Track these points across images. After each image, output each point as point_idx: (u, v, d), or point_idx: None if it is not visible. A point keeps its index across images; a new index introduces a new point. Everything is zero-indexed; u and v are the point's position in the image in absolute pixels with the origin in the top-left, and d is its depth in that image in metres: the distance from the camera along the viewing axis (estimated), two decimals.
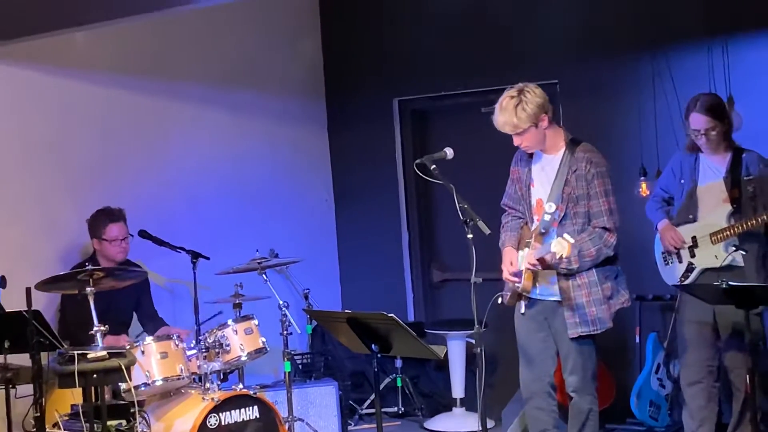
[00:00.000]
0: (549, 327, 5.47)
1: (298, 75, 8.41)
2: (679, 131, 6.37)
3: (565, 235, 5.02)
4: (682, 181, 5.85)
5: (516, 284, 5.38)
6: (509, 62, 7.57)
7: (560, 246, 4.98)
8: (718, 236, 5.64)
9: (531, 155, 5.50)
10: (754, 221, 5.49)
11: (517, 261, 5.40)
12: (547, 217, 5.25)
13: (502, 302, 5.51)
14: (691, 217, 5.78)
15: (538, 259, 5.22)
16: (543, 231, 5.28)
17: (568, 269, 5.27)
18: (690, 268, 5.77)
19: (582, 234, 5.28)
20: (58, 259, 6.44)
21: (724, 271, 5.57)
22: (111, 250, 6.35)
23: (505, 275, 5.42)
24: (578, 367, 5.41)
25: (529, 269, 5.30)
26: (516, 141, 5.36)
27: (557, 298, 5.38)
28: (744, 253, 5.60)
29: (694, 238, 5.76)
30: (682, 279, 5.79)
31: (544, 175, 5.44)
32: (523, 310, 5.48)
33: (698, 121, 5.67)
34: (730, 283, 5.15)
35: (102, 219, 6.37)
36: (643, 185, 6.78)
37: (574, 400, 5.47)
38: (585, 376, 5.43)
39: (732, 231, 5.58)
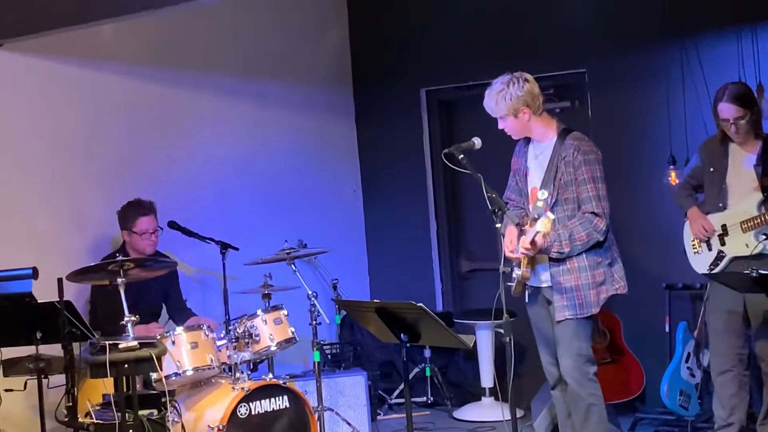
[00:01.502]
0: (548, 313, 5.52)
1: (326, 66, 8.42)
2: (708, 119, 6.33)
3: (548, 212, 5.08)
4: (712, 169, 5.82)
5: (515, 272, 5.42)
6: (537, 52, 7.55)
7: (542, 223, 5.04)
8: (749, 224, 5.61)
9: (528, 145, 5.59)
10: None
11: (516, 239, 5.43)
12: (539, 204, 5.25)
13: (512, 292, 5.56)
14: (721, 205, 5.76)
15: (530, 243, 5.24)
16: (536, 217, 5.26)
17: (559, 253, 5.32)
18: (720, 257, 5.75)
19: (572, 219, 5.35)
20: (87, 251, 6.48)
21: (755, 260, 5.54)
22: (141, 243, 6.37)
23: (507, 253, 5.46)
24: (568, 351, 5.41)
25: (523, 254, 5.32)
26: (499, 125, 5.52)
27: (550, 284, 5.43)
28: None
29: (724, 227, 5.73)
30: (712, 267, 5.77)
31: (537, 163, 5.53)
32: (527, 299, 5.56)
33: (727, 110, 5.64)
34: (761, 271, 5.13)
35: (132, 211, 6.39)
36: (673, 174, 6.75)
37: (571, 387, 5.45)
38: (578, 361, 5.41)
39: (763, 219, 5.56)
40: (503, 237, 5.41)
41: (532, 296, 5.57)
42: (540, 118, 5.46)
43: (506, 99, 5.36)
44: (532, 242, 5.23)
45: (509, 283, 5.53)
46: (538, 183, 5.48)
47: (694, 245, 5.91)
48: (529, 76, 5.44)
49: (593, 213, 5.33)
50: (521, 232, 5.35)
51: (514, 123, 5.44)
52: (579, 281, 5.37)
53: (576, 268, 5.38)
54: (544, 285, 5.48)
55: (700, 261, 5.87)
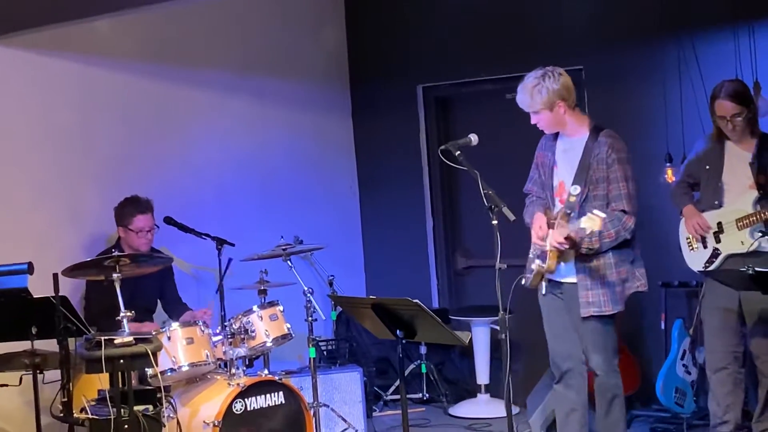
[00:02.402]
0: (568, 308, 5.54)
1: (322, 62, 8.42)
2: (705, 117, 6.33)
3: (595, 211, 5.08)
4: (708, 167, 5.83)
5: (540, 264, 5.42)
6: (534, 48, 7.54)
7: (591, 221, 5.03)
8: (744, 222, 5.62)
9: (555, 139, 5.58)
10: None
11: (546, 226, 5.45)
12: (572, 199, 5.35)
13: (525, 283, 5.57)
14: (716, 202, 5.76)
15: (565, 238, 5.27)
16: (568, 212, 5.35)
17: (588, 249, 5.34)
18: (715, 254, 5.75)
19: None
20: (82, 246, 6.47)
21: (750, 257, 5.55)
22: (136, 240, 6.36)
23: (534, 238, 5.48)
24: (599, 347, 5.47)
25: (555, 248, 5.33)
26: (532, 120, 5.52)
27: (575, 280, 5.45)
28: None
29: (719, 224, 5.74)
30: (707, 265, 5.77)
31: (567, 158, 5.53)
32: (544, 291, 5.57)
33: (723, 108, 5.65)
34: (757, 269, 5.14)
35: (130, 209, 6.38)
36: (669, 171, 6.76)
37: (600, 379, 5.52)
38: (607, 356, 5.49)
39: (758, 216, 5.56)
40: (531, 225, 5.45)
41: (549, 290, 5.56)
42: (573, 113, 5.49)
43: (542, 93, 5.36)
44: (568, 237, 5.26)
45: (527, 275, 5.55)
46: (567, 177, 5.50)
47: (689, 243, 5.92)
48: (562, 70, 5.46)
49: (623, 211, 5.37)
50: (552, 225, 5.40)
51: (548, 117, 5.44)
52: (605, 278, 5.40)
53: (603, 265, 5.41)
54: (567, 280, 5.49)
55: (696, 258, 5.88)
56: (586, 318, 5.42)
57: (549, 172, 5.61)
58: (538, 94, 5.36)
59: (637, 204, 5.43)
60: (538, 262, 5.48)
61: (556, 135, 5.60)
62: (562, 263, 5.45)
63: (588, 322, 5.44)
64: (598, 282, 5.40)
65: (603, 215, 5.07)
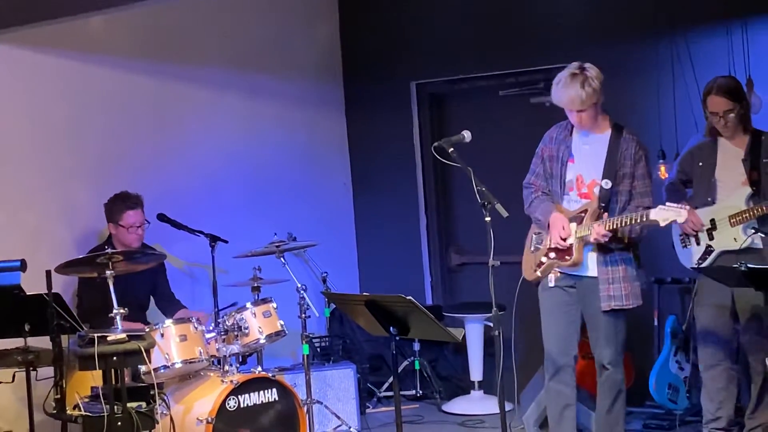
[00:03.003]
0: (579, 302, 5.56)
1: (316, 59, 8.41)
2: (698, 114, 6.34)
3: (668, 204, 5.17)
4: (701, 164, 5.83)
5: (566, 258, 5.47)
6: (527, 45, 7.56)
7: (669, 213, 5.12)
8: (737, 218, 5.62)
9: (570, 133, 5.60)
10: None
11: (568, 226, 5.48)
12: (605, 193, 5.42)
13: (535, 275, 5.62)
14: (709, 199, 5.77)
15: (610, 230, 5.33)
16: (602, 206, 5.42)
17: (617, 245, 5.41)
18: (708, 251, 5.76)
19: (628, 213, 5.44)
20: (75, 243, 6.46)
21: (743, 254, 5.56)
22: (127, 236, 6.35)
23: (556, 239, 5.50)
24: (611, 341, 5.51)
25: (597, 240, 5.35)
26: (575, 118, 5.49)
27: (594, 274, 5.48)
28: (763, 235, 5.58)
29: (712, 221, 5.74)
30: (700, 261, 5.78)
31: (589, 152, 5.55)
32: (552, 283, 5.57)
33: (716, 103, 5.66)
34: (750, 265, 5.14)
35: (120, 205, 6.37)
36: (662, 168, 6.77)
37: (608, 373, 5.56)
38: (618, 349, 5.55)
39: (751, 213, 5.57)
40: (547, 223, 5.50)
41: (559, 282, 5.59)
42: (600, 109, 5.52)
43: (593, 84, 5.37)
44: (611, 230, 5.32)
45: (534, 268, 5.56)
46: (587, 171, 5.53)
47: (682, 239, 5.92)
48: (585, 63, 5.48)
49: (648, 207, 5.40)
50: (576, 219, 5.45)
51: (592, 111, 5.45)
52: (626, 272, 5.45)
53: (623, 260, 5.47)
54: (587, 274, 5.52)
55: (689, 255, 5.88)
56: (606, 312, 5.44)
57: (561, 166, 5.60)
58: (589, 87, 5.36)
59: None
60: (551, 255, 5.51)
61: (570, 130, 5.61)
62: (586, 255, 5.49)
63: (606, 316, 5.47)
64: (620, 276, 5.44)
65: (687, 207, 5.17)
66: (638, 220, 5.26)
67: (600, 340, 5.54)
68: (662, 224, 5.18)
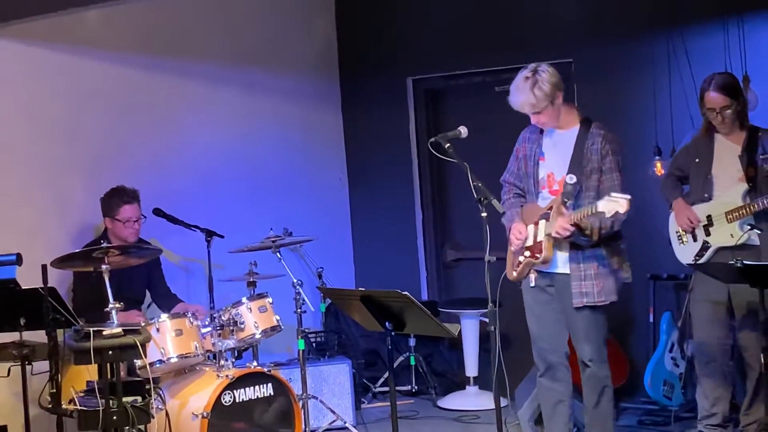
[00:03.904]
0: (558, 299, 5.54)
1: (312, 54, 8.41)
2: (694, 111, 6.35)
3: (613, 194, 5.08)
4: (697, 160, 5.84)
5: (536, 255, 5.42)
6: (523, 41, 7.56)
7: (613, 204, 5.03)
8: (734, 215, 5.63)
9: (541, 132, 5.59)
10: None
11: (525, 232, 5.47)
12: (569, 188, 5.39)
13: (512, 277, 5.60)
14: (706, 195, 5.77)
15: (573, 224, 5.28)
16: (566, 200, 5.39)
17: (586, 240, 5.36)
18: (705, 247, 5.76)
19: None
20: (71, 238, 6.45)
21: (739, 250, 5.56)
22: (123, 231, 6.34)
23: (515, 244, 5.49)
24: (590, 337, 5.49)
25: (558, 235, 5.33)
26: (534, 119, 5.48)
27: (567, 271, 5.46)
28: (759, 231, 5.58)
29: (709, 217, 5.74)
30: (697, 258, 5.78)
31: (557, 150, 5.53)
32: (533, 283, 5.57)
33: (713, 100, 5.66)
34: (745, 261, 5.15)
35: (116, 199, 6.36)
36: (658, 164, 6.78)
37: (590, 370, 5.53)
38: (598, 346, 5.51)
39: (747, 209, 5.57)
40: (509, 230, 5.47)
41: (538, 281, 5.58)
42: (565, 104, 5.51)
43: (543, 88, 5.33)
44: (576, 225, 5.28)
45: (514, 268, 5.55)
46: (557, 168, 5.50)
47: (679, 236, 5.92)
48: (542, 64, 5.45)
49: None
50: (545, 215, 5.41)
51: (551, 111, 5.42)
52: (598, 269, 5.42)
53: (595, 256, 5.43)
54: (560, 271, 5.50)
55: (686, 251, 5.89)
56: (579, 308, 5.43)
57: (534, 165, 5.60)
58: (539, 90, 5.33)
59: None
60: (527, 254, 5.49)
61: (541, 129, 5.60)
62: (558, 252, 5.46)
63: (580, 313, 5.45)
64: (592, 273, 5.42)
65: (628, 197, 5.07)
66: (588, 213, 5.20)
67: (578, 337, 5.52)
68: (608, 215, 5.08)
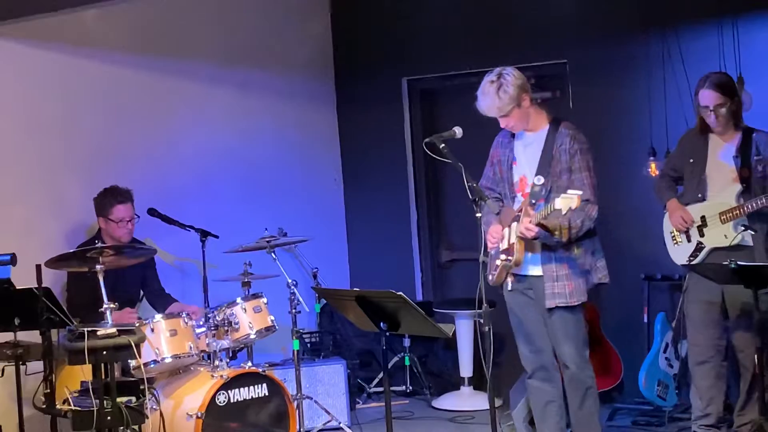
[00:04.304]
0: (536, 301, 5.55)
1: (308, 54, 8.40)
2: (688, 111, 6.36)
3: (569, 191, 5.07)
4: (692, 161, 5.84)
5: (509, 258, 5.43)
6: (518, 42, 7.56)
7: (567, 200, 5.00)
8: (728, 215, 5.63)
9: (513, 136, 5.61)
10: (764, 201, 5.48)
11: (501, 233, 5.48)
12: (536, 189, 5.38)
13: (491, 281, 5.60)
14: (700, 196, 5.77)
15: (537, 224, 5.28)
16: (533, 202, 5.38)
17: (557, 241, 5.36)
18: (699, 248, 5.77)
19: None
20: (64, 238, 6.45)
21: (733, 251, 5.57)
22: (117, 231, 6.33)
23: (491, 246, 5.50)
24: (569, 338, 5.48)
25: (523, 234, 5.33)
26: (502, 123, 5.51)
27: (540, 272, 5.47)
28: (753, 232, 5.58)
29: (703, 218, 5.75)
30: (691, 258, 5.79)
31: (529, 152, 5.54)
32: (510, 287, 5.57)
33: (708, 97, 5.66)
34: (739, 262, 5.16)
35: (109, 199, 6.35)
36: (653, 165, 6.79)
37: (572, 371, 5.52)
38: (577, 346, 5.50)
39: (741, 210, 5.57)
40: (484, 232, 5.44)
41: (515, 284, 5.57)
42: (533, 106, 5.51)
43: (508, 90, 5.35)
44: (539, 224, 5.27)
45: (492, 272, 5.55)
46: (529, 171, 5.51)
47: (673, 236, 5.93)
48: (507, 68, 5.45)
49: (587, 201, 5.35)
50: (516, 218, 5.40)
51: (518, 114, 5.42)
52: (569, 269, 5.42)
53: (567, 257, 5.43)
54: (533, 273, 5.50)
55: (680, 252, 5.89)
56: (552, 309, 5.44)
57: (508, 169, 5.61)
58: (504, 93, 5.34)
59: (598, 194, 5.44)
60: (503, 257, 5.49)
61: (512, 133, 5.60)
62: (529, 254, 5.46)
63: (555, 314, 5.46)
64: (564, 273, 5.42)
65: (579, 192, 5.05)
66: (548, 212, 5.19)
67: (556, 339, 5.52)
68: (564, 212, 5.06)
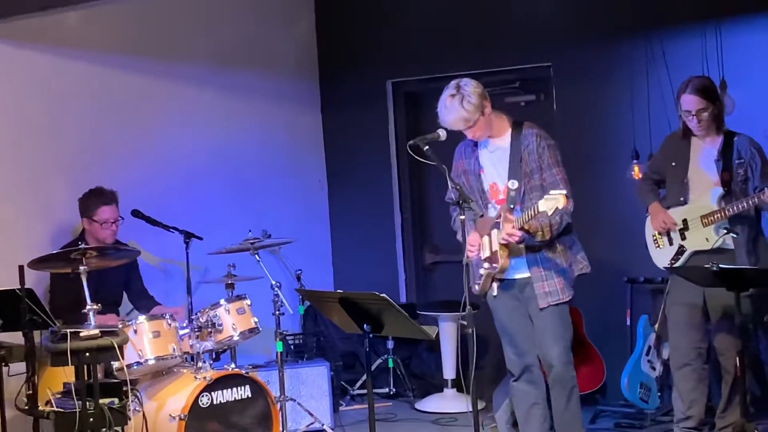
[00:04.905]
0: (524, 304, 5.56)
1: (292, 56, 8.41)
2: (672, 114, 6.39)
3: (552, 192, 5.07)
4: (674, 164, 5.86)
5: (493, 266, 5.44)
6: (503, 45, 7.58)
7: (552, 201, 5.00)
8: (709, 219, 5.66)
9: (476, 145, 5.59)
10: (744, 204, 5.51)
11: (479, 242, 5.49)
12: (512, 194, 5.41)
13: (476, 291, 5.61)
14: (682, 199, 5.80)
15: (520, 228, 5.28)
16: (511, 206, 5.41)
17: (541, 241, 5.38)
18: (680, 251, 5.79)
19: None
20: (48, 239, 6.43)
21: (715, 254, 5.59)
22: (101, 232, 6.32)
23: (471, 256, 5.49)
24: (558, 336, 5.50)
25: (506, 240, 5.34)
26: (469, 134, 5.48)
27: (527, 274, 5.48)
28: (735, 235, 5.61)
29: (684, 221, 5.77)
30: (673, 261, 5.81)
31: (495, 158, 5.54)
32: (495, 293, 5.58)
33: (690, 102, 5.68)
34: (721, 265, 5.18)
35: (94, 200, 6.35)
36: (636, 168, 6.82)
37: (557, 371, 5.53)
38: (565, 346, 5.53)
39: (723, 214, 5.60)
40: (463, 240, 5.45)
41: (501, 289, 5.57)
42: (494, 112, 5.49)
43: (471, 100, 5.32)
44: (522, 228, 5.28)
45: (476, 282, 5.56)
46: (498, 177, 5.52)
47: (655, 239, 5.95)
48: (463, 79, 5.44)
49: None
50: (496, 225, 5.40)
51: (482, 121, 5.40)
52: (555, 267, 5.45)
53: (552, 254, 5.47)
54: (519, 276, 5.52)
55: (662, 255, 5.91)
56: (544, 308, 5.46)
57: (476, 178, 5.60)
58: (468, 103, 5.32)
59: (570, 187, 5.41)
60: (486, 265, 5.49)
61: (475, 142, 5.58)
62: (513, 259, 5.47)
63: (547, 313, 5.47)
64: (552, 271, 5.45)
65: (563, 191, 5.06)
66: (532, 215, 5.20)
67: (546, 338, 5.52)
68: (549, 213, 5.06)
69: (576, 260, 5.56)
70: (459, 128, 5.42)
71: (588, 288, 5.70)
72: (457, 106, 5.33)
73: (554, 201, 5.00)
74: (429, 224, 8.45)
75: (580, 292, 5.61)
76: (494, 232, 5.42)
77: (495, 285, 5.56)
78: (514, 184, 5.40)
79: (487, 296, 5.65)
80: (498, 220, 5.41)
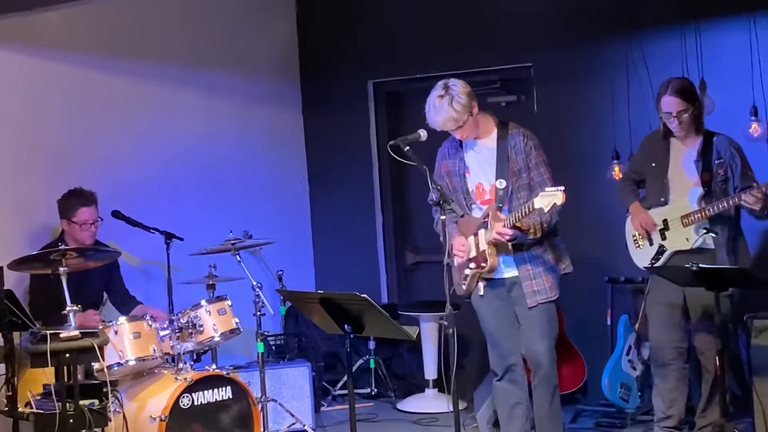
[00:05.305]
0: (511, 304, 5.57)
1: (273, 56, 8.40)
2: (652, 115, 6.40)
3: (547, 189, 5.08)
4: (654, 165, 5.88)
5: (482, 265, 5.43)
6: (484, 46, 7.59)
7: (549, 197, 5.01)
8: (689, 219, 5.68)
9: (460, 145, 5.60)
10: (725, 204, 5.53)
11: (466, 247, 5.49)
12: (500, 193, 5.42)
13: (460, 293, 5.62)
14: (662, 200, 5.82)
15: (513, 226, 5.30)
16: (500, 206, 5.43)
17: (532, 240, 5.39)
18: (661, 251, 5.81)
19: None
20: (28, 240, 6.41)
21: (695, 254, 5.61)
22: (80, 233, 6.30)
23: (459, 259, 5.50)
24: (545, 335, 5.52)
25: (497, 240, 5.34)
26: (458, 135, 5.49)
27: (515, 273, 5.50)
28: (715, 235, 5.64)
29: (665, 221, 5.80)
30: (653, 261, 5.83)
31: (481, 159, 5.55)
32: (482, 292, 5.58)
33: (669, 104, 5.70)
34: (701, 265, 5.20)
35: (73, 201, 6.32)
36: (616, 168, 6.85)
37: (544, 370, 5.54)
38: (551, 344, 5.56)
39: (702, 214, 5.62)
40: (449, 235, 5.45)
41: (488, 288, 5.58)
42: (481, 112, 5.51)
43: (460, 100, 5.33)
44: (514, 227, 5.29)
45: (461, 283, 5.56)
46: (484, 178, 5.52)
47: (635, 239, 5.97)
48: (450, 79, 5.44)
49: None
50: (483, 225, 5.41)
51: (471, 122, 5.41)
52: (543, 265, 5.47)
53: (538, 254, 5.48)
54: (507, 275, 5.53)
55: (642, 255, 5.93)
56: (533, 307, 5.47)
57: (461, 178, 5.60)
58: (457, 104, 5.32)
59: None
60: (472, 265, 5.50)
61: (460, 142, 5.59)
62: (502, 257, 5.48)
63: (534, 311, 5.49)
64: (540, 269, 5.47)
65: (562, 188, 5.06)
66: (526, 212, 5.21)
67: (534, 336, 5.53)
68: (546, 210, 5.07)
69: (561, 259, 5.59)
70: (448, 129, 5.42)
71: (569, 288, 5.71)
72: (446, 106, 5.33)
73: (552, 197, 5.02)
74: (410, 225, 8.46)
75: (561, 291, 5.61)
76: (482, 231, 5.43)
77: (481, 284, 5.57)
78: (501, 184, 5.42)
79: (472, 296, 5.64)
80: (486, 220, 5.42)
